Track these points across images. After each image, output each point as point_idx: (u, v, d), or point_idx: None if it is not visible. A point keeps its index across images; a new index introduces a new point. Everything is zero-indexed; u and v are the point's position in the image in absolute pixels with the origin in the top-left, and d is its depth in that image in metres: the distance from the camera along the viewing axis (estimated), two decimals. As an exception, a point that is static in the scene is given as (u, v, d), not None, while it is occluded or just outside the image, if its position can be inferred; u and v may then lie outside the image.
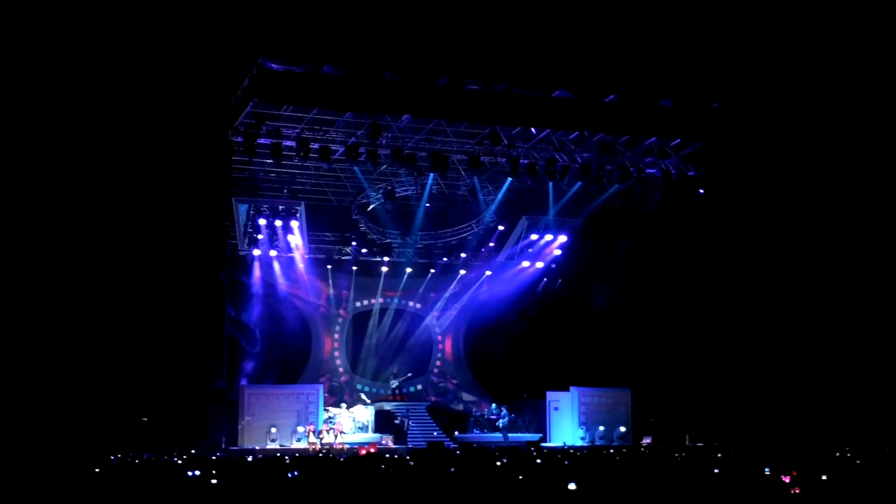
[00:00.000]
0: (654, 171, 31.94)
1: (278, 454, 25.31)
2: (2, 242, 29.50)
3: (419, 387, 36.63)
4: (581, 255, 36.58)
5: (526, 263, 36.71)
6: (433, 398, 36.46)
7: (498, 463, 19.32)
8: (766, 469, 15.41)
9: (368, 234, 35.67)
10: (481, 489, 14.24)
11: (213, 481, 15.14)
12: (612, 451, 26.34)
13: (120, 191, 30.39)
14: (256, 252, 33.42)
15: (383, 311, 37.13)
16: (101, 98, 29.67)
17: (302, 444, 29.92)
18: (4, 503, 13.75)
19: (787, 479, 12.05)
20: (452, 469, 17.00)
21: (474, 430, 33.17)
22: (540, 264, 36.68)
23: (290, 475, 16.49)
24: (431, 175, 31.69)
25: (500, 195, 33.96)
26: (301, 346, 35.79)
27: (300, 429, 30.27)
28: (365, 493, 14.24)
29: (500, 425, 32.40)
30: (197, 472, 16.63)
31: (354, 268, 36.14)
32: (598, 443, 32.38)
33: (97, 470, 17.87)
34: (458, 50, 30.78)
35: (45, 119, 29.62)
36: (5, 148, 29.51)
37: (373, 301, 36.94)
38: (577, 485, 13.04)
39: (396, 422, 32.48)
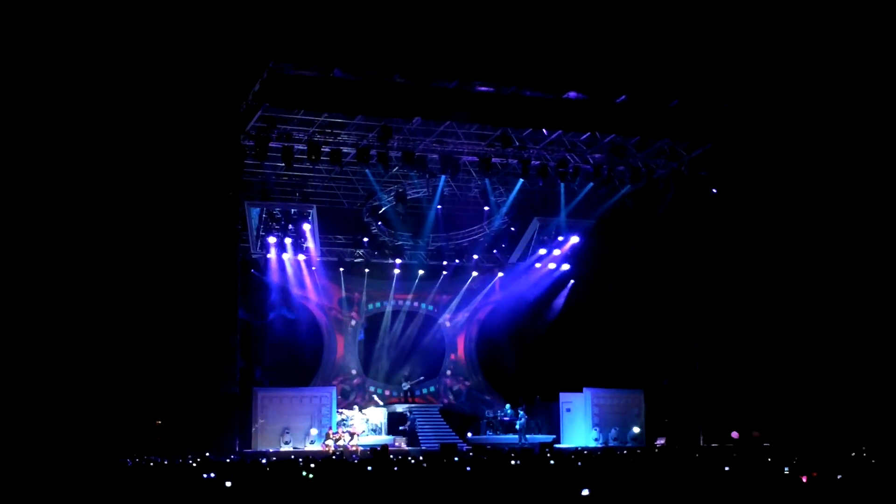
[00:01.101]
0: (665, 171, 31.90)
1: (292, 456, 25.35)
2: (14, 248, 29.65)
3: (431, 388, 36.66)
4: (593, 257, 36.53)
5: (538, 265, 36.67)
6: (446, 400, 36.47)
7: (512, 462, 19.32)
8: (786, 469, 15.38)
9: (380, 237, 35.73)
10: (495, 491, 14.23)
11: (228, 484, 15.18)
12: (625, 452, 26.29)
13: (132, 196, 30.51)
14: (268, 255, 33.50)
15: (395, 313, 37.19)
16: (112, 103, 29.78)
17: (316, 447, 29.97)
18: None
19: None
20: (468, 469, 16.99)
21: (487, 432, 33.17)
22: (552, 266, 36.65)
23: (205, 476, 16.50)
24: (442, 177, 31.75)
25: (511, 197, 33.97)
26: (313, 349, 35.86)
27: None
28: (378, 495, 14.25)
29: (518, 427, 32.36)
30: (212, 475, 16.69)
31: (366, 270, 36.23)
32: (611, 444, 32.33)
33: (112, 473, 17.95)
34: (467, 52, 30.74)
35: (57, 125, 29.74)
36: (19, 154, 29.66)
37: (385, 303, 37.02)
38: (590, 489, 13.01)
39: (402, 427, 32.42)
